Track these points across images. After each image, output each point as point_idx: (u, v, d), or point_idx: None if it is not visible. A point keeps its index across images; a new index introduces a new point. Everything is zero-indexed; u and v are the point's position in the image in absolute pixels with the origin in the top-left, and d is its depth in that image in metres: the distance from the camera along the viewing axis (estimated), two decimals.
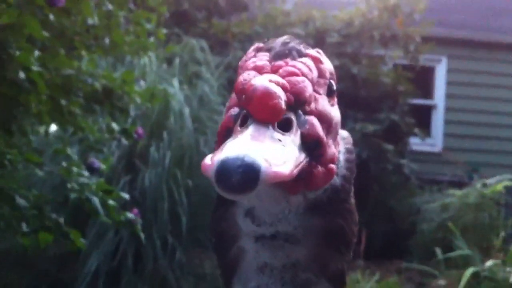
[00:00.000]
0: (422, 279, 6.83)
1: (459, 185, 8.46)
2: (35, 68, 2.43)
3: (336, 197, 0.95)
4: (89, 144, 3.26)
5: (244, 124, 0.80)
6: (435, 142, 11.38)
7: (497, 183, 7.20)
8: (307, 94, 0.86)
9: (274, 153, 0.73)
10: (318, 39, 8.85)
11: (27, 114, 2.91)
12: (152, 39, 3.49)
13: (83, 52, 3.10)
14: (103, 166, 3.09)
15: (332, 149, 0.90)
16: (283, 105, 0.79)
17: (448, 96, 11.57)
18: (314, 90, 0.90)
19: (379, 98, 8.90)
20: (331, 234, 0.94)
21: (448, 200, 7.55)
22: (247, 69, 0.91)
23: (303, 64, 0.90)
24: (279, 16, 9.18)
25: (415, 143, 10.01)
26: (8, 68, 2.46)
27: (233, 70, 7.41)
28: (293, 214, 0.90)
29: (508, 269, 5.71)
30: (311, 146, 0.84)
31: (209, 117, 6.16)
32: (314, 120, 0.86)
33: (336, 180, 0.94)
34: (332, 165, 0.89)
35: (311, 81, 0.89)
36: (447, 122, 11.49)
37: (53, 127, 3.64)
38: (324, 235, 0.94)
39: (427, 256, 7.25)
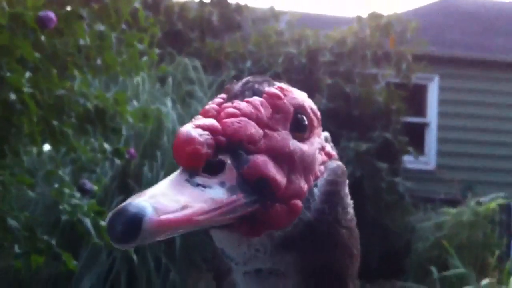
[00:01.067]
0: None
1: (453, 203, 8.46)
2: (26, 89, 2.43)
3: (310, 232, 0.91)
4: (81, 165, 3.24)
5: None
6: (429, 160, 11.39)
7: (491, 201, 7.21)
8: (246, 133, 0.84)
9: (171, 199, 0.72)
10: (311, 58, 8.90)
11: (19, 135, 2.89)
12: (145, 58, 3.49)
13: (76, 73, 3.10)
14: (95, 187, 3.08)
15: (295, 185, 0.88)
16: (204, 150, 0.78)
17: (441, 114, 11.61)
18: (267, 127, 0.89)
19: (372, 116, 8.92)
20: (317, 270, 0.92)
21: (442, 219, 7.55)
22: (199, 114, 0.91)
23: (249, 104, 0.88)
24: (272, 36, 9.23)
25: (409, 161, 10.02)
26: (0, 89, 2.45)
27: None
28: (263, 252, 0.88)
29: (503, 287, 5.70)
30: (258, 184, 0.82)
31: None
32: (258, 158, 0.84)
33: (307, 215, 0.90)
34: (295, 201, 0.86)
35: (256, 119, 0.87)
36: (440, 140, 11.51)
37: (46, 147, 3.62)
38: (308, 270, 0.92)
39: (422, 274, 7.22)
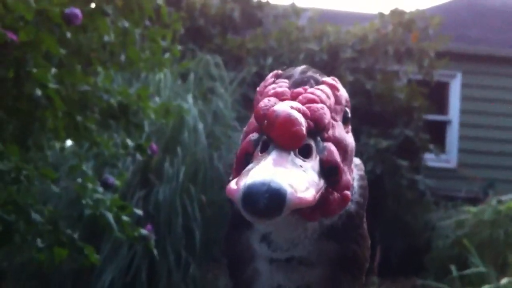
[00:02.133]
0: None
1: (474, 201, 8.40)
2: (51, 85, 2.46)
3: (351, 223, 0.96)
4: (104, 159, 3.28)
5: (264, 150, 0.81)
6: (450, 158, 11.31)
7: None
8: (326, 121, 0.87)
9: (298, 179, 0.74)
10: (332, 55, 8.87)
11: (43, 130, 2.94)
12: (167, 55, 3.52)
13: (99, 68, 3.14)
14: (117, 182, 3.11)
15: (347, 176, 0.91)
16: (304, 132, 0.80)
17: (463, 111, 11.50)
18: (332, 117, 0.91)
19: (393, 113, 8.87)
20: (345, 259, 0.95)
21: (463, 217, 7.50)
22: (267, 95, 0.92)
23: (322, 91, 0.91)
24: (293, 32, 9.21)
25: (430, 159, 9.96)
26: (26, 84, 2.49)
27: (248, 85, 7.44)
28: (308, 240, 0.91)
29: None
30: (329, 172, 0.85)
31: (223, 132, 6.18)
32: (331, 146, 0.87)
33: (351, 206, 0.95)
34: (347, 192, 0.90)
35: (329, 107, 0.90)
36: (462, 138, 11.41)
37: (69, 143, 3.66)
38: (338, 259, 0.95)
39: (443, 273, 7.18)
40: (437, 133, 10.83)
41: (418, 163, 8.96)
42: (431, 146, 9.10)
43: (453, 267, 6.80)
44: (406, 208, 8.40)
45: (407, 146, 8.58)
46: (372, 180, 7.85)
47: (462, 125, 11.44)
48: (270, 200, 0.69)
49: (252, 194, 0.70)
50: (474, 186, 9.96)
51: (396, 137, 8.52)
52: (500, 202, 7.27)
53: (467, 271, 6.51)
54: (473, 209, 7.44)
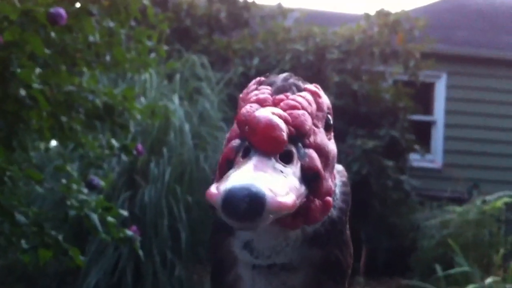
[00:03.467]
0: None
1: (459, 201, 8.46)
2: (36, 85, 2.45)
3: (333, 229, 0.96)
4: (89, 160, 3.26)
5: (246, 156, 0.81)
6: (435, 158, 11.38)
7: (497, 199, 7.20)
8: (307, 127, 0.88)
9: (278, 183, 0.74)
10: (318, 55, 8.89)
11: (28, 130, 2.92)
12: (153, 55, 3.51)
13: (84, 69, 3.12)
14: (102, 183, 3.10)
15: (328, 183, 0.91)
16: (285, 137, 0.80)
17: (448, 112, 11.58)
18: (313, 124, 0.91)
19: (379, 114, 8.91)
20: (328, 265, 0.96)
21: (448, 217, 7.54)
22: (249, 102, 0.92)
23: (303, 98, 0.92)
24: (280, 32, 9.22)
25: (415, 159, 10.01)
26: (10, 85, 2.47)
27: (234, 86, 7.44)
28: (291, 247, 0.91)
29: (508, 286, 5.70)
30: (310, 179, 0.85)
31: (210, 133, 6.17)
32: (313, 153, 0.87)
33: (333, 213, 0.95)
34: (329, 198, 0.90)
35: (311, 114, 0.90)
36: (447, 138, 11.49)
37: (54, 143, 3.64)
38: (321, 265, 0.95)
39: (428, 273, 7.22)
40: (423, 133, 10.89)
41: (403, 164, 9.01)
42: (417, 147, 9.16)
43: (438, 267, 6.85)
44: (391, 208, 8.44)
45: (393, 146, 8.62)
46: (358, 181, 7.87)
47: (447, 125, 11.52)
48: (250, 204, 0.69)
49: (232, 198, 0.70)
50: (459, 186, 10.03)
51: (382, 138, 8.56)
52: (484, 202, 7.32)
53: (452, 271, 6.56)
54: (458, 209, 7.49)
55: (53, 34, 2.63)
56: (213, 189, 0.74)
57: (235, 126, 0.92)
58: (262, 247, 0.91)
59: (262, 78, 1.00)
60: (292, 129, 0.84)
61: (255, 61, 8.53)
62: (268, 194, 0.70)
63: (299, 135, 0.86)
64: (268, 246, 0.90)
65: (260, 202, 0.69)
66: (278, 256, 0.91)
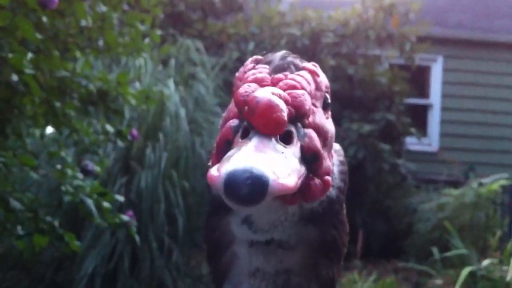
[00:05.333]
0: (419, 279, 6.84)
1: (456, 184, 8.48)
2: (28, 70, 2.42)
3: (331, 208, 0.96)
4: (84, 146, 3.25)
5: (245, 136, 0.81)
6: (431, 141, 11.39)
7: (493, 182, 7.22)
8: (307, 107, 0.87)
9: (279, 165, 0.74)
10: (313, 40, 8.87)
11: (22, 117, 2.90)
12: (147, 40, 3.48)
13: (78, 54, 3.10)
14: (97, 169, 3.09)
15: (327, 162, 0.91)
16: (285, 118, 0.79)
17: (444, 95, 11.58)
18: (312, 103, 0.90)
19: (375, 98, 8.91)
20: (324, 244, 0.96)
21: (444, 200, 7.57)
22: (247, 81, 0.91)
23: (302, 77, 0.91)
24: (275, 17, 9.18)
25: (411, 142, 10.03)
26: (2, 71, 2.45)
27: (229, 71, 7.41)
28: (288, 222, 0.91)
29: (504, 268, 5.72)
30: (309, 159, 0.85)
31: (205, 118, 6.15)
32: (312, 133, 0.87)
33: (332, 192, 0.96)
34: (328, 177, 0.90)
35: (310, 94, 0.90)
36: (443, 122, 11.50)
37: (49, 130, 3.63)
38: (317, 244, 0.96)
39: (424, 255, 7.26)
40: (419, 117, 10.90)
41: (399, 147, 9.02)
42: (413, 130, 9.16)
43: (434, 250, 6.88)
44: (387, 192, 8.47)
45: (389, 130, 8.63)
46: (354, 165, 7.88)
47: (444, 109, 11.53)
48: (252, 186, 0.69)
49: (234, 181, 0.69)
50: (455, 170, 10.06)
51: (378, 122, 8.56)
52: (481, 185, 7.35)
53: (449, 254, 6.59)
54: (454, 192, 7.51)
55: (44, 18, 2.60)
56: (213, 171, 0.74)
57: (232, 105, 0.91)
58: (261, 221, 0.91)
59: (259, 57, 0.99)
60: (292, 109, 0.84)
61: (250, 45, 8.50)
62: (271, 176, 0.70)
63: (299, 115, 0.86)
64: (267, 221, 0.90)
65: (263, 185, 0.69)
66: (276, 230, 0.91)
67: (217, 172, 0.73)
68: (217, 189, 0.71)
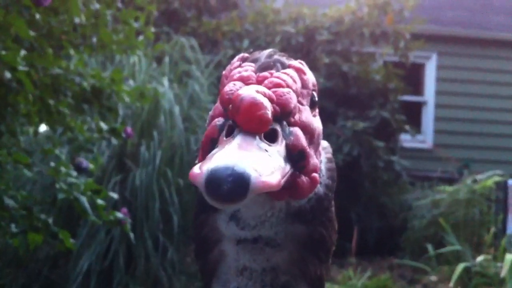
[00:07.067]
0: (414, 275, 6.86)
1: (450, 181, 8.51)
2: (21, 68, 2.42)
3: (319, 206, 0.96)
4: (78, 144, 3.25)
5: (230, 135, 0.81)
6: (426, 138, 11.42)
7: (487, 178, 7.24)
8: (292, 106, 0.87)
9: (262, 163, 0.74)
10: (308, 37, 8.87)
11: (16, 114, 2.90)
12: (141, 37, 3.48)
13: (72, 51, 3.09)
14: (91, 166, 3.08)
15: (314, 159, 0.91)
16: (270, 116, 0.79)
17: (438, 92, 11.61)
18: (298, 101, 0.90)
19: (369, 95, 8.91)
20: (312, 242, 0.96)
21: (438, 197, 7.59)
22: (233, 79, 0.91)
23: (288, 76, 0.91)
24: (269, 14, 9.18)
25: (406, 139, 10.05)
26: None
27: (223, 68, 7.39)
28: (275, 218, 0.92)
29: (499, 264, 5.75)
30: (296, 157, 0.85)
31: (200, 116, 6.15)
32: (298, 131, 0.87)
33: (320, 189, 0.96)
34: (315, 175, 0.90)
35: (296, 92, 0.90)
36: (437, 119, 11.53)
37: (43, 127, 3.62)
38: (305, 242, 0.95)
39: (419, 252, 7.28)
40: (413, 114, 10.92)
41: (394, 144, 9.03)
42: (407, 127, 9.18)
43: (429, 246, 6.90)
44: (382, 189, 8.48)
45: (383, 127, 8.64)
46: (349, 162, 7.89)
47: (438, 106, 11.56)
48: (233, 184, 0.68)
49: (215, 179, 0.69)
50: (450, 166, 10.09)
51: (372, 119, 8.57)
52: (475, 181, 7.37)
53: (443, 250, 6.61)
54: (448, 188, 7.53)
55: (38, 16, 2.60)
56: (196, 169, 0.74)
57: (218, 104, 0.91)
58: (248, 217, 0.91)
59: (246, 55, 0.99)
60: (276, 107, 0.84)
61: (245, 43, 8.49)
62: (253, 174, 0.70)
63: (284, 113, 0.85)
64: (254, 216, 0.91)
65: (245, 182, 0.69)
66: (263, 226, 0.91)
67: (199, 170, 0.72)
68: (199, 187, 0.71)
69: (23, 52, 2.51)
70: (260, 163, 0.73)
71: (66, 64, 3.04)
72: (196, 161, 0.90)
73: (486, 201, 7.21)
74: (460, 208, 7.15)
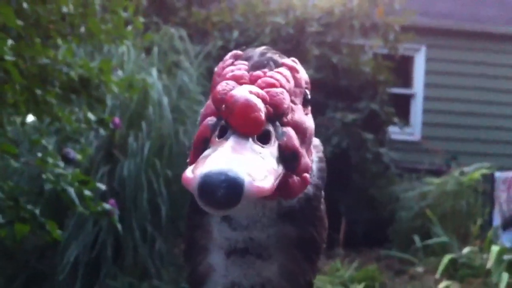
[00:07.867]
0: (401, 267, 6.90)
1: (438, 173, 8.55)
2: (9, 57, 2.40)
3: (308, 205, 0.96)
4: (66, 135, 3.23)
5: (222, 136, 0.80)
6: (414, 131, 11.46)
7: (475, 171, 7.29)
8: (285, 106, 0.86)
9: (256, 167, 0.73)
10: (298, 28, 8.85)
11: (2, 104, 2.87)
12: (129, 27, 3.46)
13: (60, 41, 3.07)
14: (78, 157, 3.07)
15: (306, 159, 0.91)
16: (264, 118, 0.78)
17: (427, 85, 11.64)
18: (291, 101, 0.90)
19: (359, 87, 8.93)
20: (303, 243, 0.96)
21: (426, 188, 7.63)
22: (225, 78, 0.90)
23: (281, 75, 0.90)
24: (259, 5, 9.14)
25: (394, 132, 10.08)
26: None
27: (213, 59, 7.39)
28: (267, 218, 0.91)
29: (485, 255, 5.80)
30: (288, 157, 0.84)
31: (189, 106, 6.13)
32: (291, 131, 0.86)
33: (309, 189, 0.95)
34: (306, 175, 0.89)
35: (289, 91, 0.89)
36: (426, 111, 11.57)
37: (30, 117, 3.60)
38: (296, 243, 0.95)
39: (406, 243, 7.33)
40: (402, 106, 10.95)
41: (382, 136, 9.06)
42: (396, 119, 9.21)
43: (416, 238, 6.95)
44: (371, 180, 8.51)
45: (372, 119, 8.66)
46: (338, 153, 7.91)
47: (426, 98, 11.60)
48: (227, 190, 0.68)
49: (209, 184, 0.68)
50: (438, 159, 10.13)
51: (361, 111, 8.59)
52: (462, 173, 7.42)
53: (430, 241, 6.66)
54: (436, 180, 7.58)
55: (25, 5, 2.58)
56: (188, 173, 0.72)
57: (210, 102, 0.91)
58: (240, 216, 0.90)
59: (239, 52, 0.98)
60: (270, 108, 0.83)
61: (235, 34, 8.47)
62: (246, 179, 0.69)
63: (277, 114, 0.85)
64: (246, 215, 0.90)
65: (238, 188, 0.68)
66: (255, 227, 0.91)
67: (192, 174, 0.71)
68: (192, 192, 0.70)
69: (10, 42, 2.49)
70: (254, 167, 0.73)
71: (54, 54, 3.01)
72: (188, 160, 0.89)
73: (473, 193, 7.27)
74: (447, 200, 7.20)
